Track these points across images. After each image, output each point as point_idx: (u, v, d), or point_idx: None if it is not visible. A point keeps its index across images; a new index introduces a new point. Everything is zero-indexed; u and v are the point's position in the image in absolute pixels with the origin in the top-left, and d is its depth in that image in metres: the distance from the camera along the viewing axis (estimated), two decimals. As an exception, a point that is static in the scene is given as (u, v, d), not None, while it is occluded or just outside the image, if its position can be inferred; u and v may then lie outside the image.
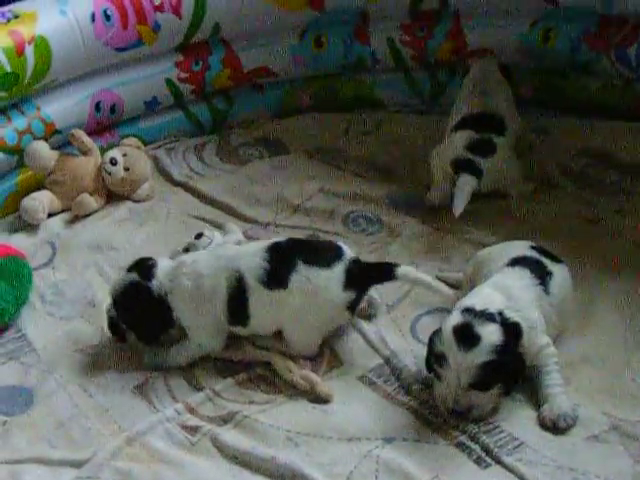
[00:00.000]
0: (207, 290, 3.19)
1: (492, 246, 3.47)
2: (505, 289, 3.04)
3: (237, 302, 3.18)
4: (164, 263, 3.30)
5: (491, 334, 2.85)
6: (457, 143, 3.95)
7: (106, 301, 3.38)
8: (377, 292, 3.47)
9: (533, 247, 3.29)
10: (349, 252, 3.25)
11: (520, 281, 3.11)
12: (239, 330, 3.25)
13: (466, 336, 2.84)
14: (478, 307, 2.92)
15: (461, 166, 3.87)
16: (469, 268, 3.43)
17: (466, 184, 3.81)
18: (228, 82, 4.71)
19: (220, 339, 3.25)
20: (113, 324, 3.31)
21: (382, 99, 4.84)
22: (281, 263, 3.16)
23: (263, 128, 4.75)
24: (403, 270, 3.23)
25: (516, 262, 3.19)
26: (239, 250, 3.30)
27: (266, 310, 3.18)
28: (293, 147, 4.59)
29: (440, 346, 2.89)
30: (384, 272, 3.25)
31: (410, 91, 4.81)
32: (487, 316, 2.90)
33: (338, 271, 3.15)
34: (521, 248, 3.29)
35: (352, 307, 3.22)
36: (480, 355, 2.82)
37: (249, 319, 3.20)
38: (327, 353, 3.29)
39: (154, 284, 3.22)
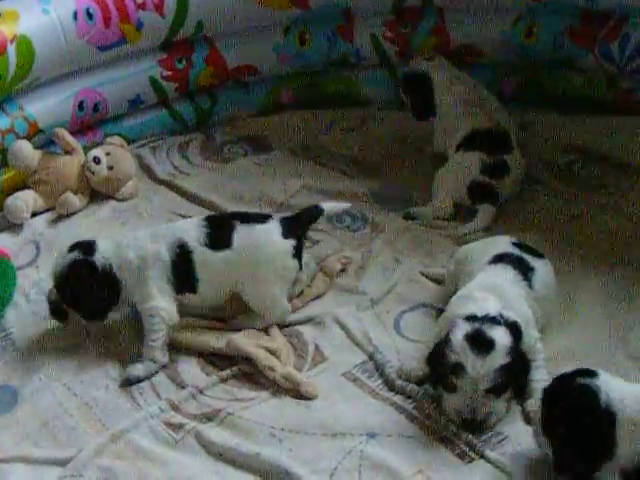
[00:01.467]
0: (150, 257, 3.26)
1: (473, 243, 3.48)
2: (495, 289, 3.04)
3: (183, 267, 3.26)
4: (104, 241, 3.35)
5: (502, 337, 2.85)
6: (471, 166, 3.93)
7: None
8: (362, 285, 3.56)
9: (514, 243, 3.30)
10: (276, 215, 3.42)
11: (505, 278, 3.11)
12: (190, 298, 3.31)
13: (480, 342, 2.83)
14: (479, 313, 2.92)
15: (480, 193, 3.90)
16: (451, 265, 3.44)
17: (488, 215, 3.86)
18: (212, 80, 4.71)
19: (172, 303, 3.28)
20: (56, 308, 3.34)
21: (366, 96, 4.85)
22: (221, 227, 3.31)
23: (247, 126, 4.76)
24: (327, 206, 3.51)
25: (499, 259, 3.20)
26: (177, 224, 3.44)
27: (215, 272, 3.27)
28: (277, 144, 4.60)
29: (454, 357, 2.85)
30: (313, 212, 3.47)
31: (395, 87, 4.80)
32: (492, 320, 2.89)
33: (273, 224, 3.32)
34: (503, 244, 3.29)
35: (297, 255, 3.34)
36: (497, 358, 2.81)
37: (198, 282, 3.27)
38: (311, 349, 3.29)
39: (97, 258, 3.28)
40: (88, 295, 3.28)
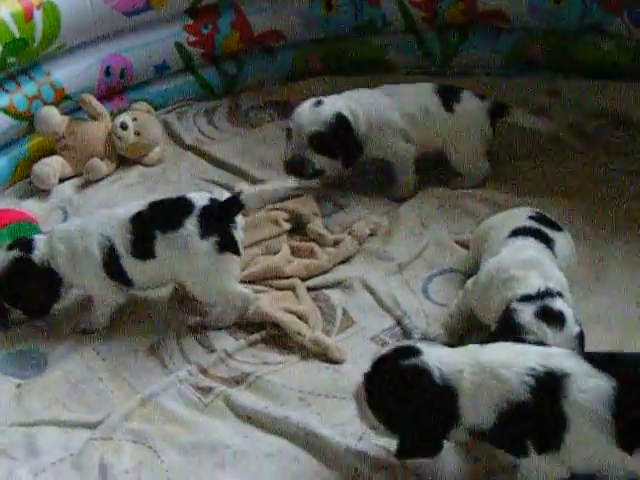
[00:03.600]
0: (81, 252, 3.23)
1: (491, 217, 3.42)
2: (531, 262, 2.98)
3: (114, 268, 3.23)
4: (40, 236, 3.33)
5: (565, 307, 2.81)
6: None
7: None
8: (390, 250, 3.56)
9: (532, 217, 3.25)
10: (200, 201, 3.23)
11: (531, 249, 3.06)
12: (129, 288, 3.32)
13: (552, 316, 2.77)
14: (532, 291, 2.86)
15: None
16: (472, 240, 3.44)
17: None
18: (238, 45, 4.70)
19: (117, 290, 3.30)
20: None
21: (393, 61, 4.81)
22: (143, 235, 3.21)
23: (273, 91, 4.76)
24: (246, 195, 3.26)
25: (518, 232, 3.16)
26: (108, 216, 3.30)
27: (147, 274, 3.25)
28: (303, 110, 4.57)
29: (532, 337, 2.74)
30: (233, 206, 3.26)
31: (421, 53, 4.78)
32: (549, 293, 2.84)
33: (189, 226, 3.16)
34: (521, 218, 3.25)
35: (225, 246, 3.20)
36: (572, 327, 2.76)
37: (132, 281, 3.26)
38: (340, 314, 3.30)
39: (35, 254, 3.26)
40: (30, 292, 3.29)
